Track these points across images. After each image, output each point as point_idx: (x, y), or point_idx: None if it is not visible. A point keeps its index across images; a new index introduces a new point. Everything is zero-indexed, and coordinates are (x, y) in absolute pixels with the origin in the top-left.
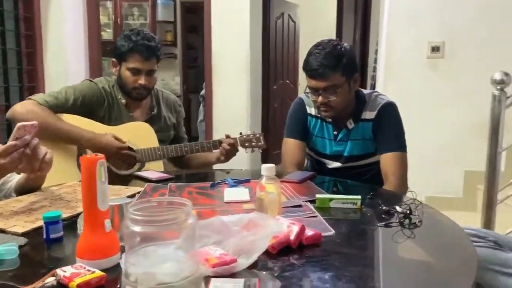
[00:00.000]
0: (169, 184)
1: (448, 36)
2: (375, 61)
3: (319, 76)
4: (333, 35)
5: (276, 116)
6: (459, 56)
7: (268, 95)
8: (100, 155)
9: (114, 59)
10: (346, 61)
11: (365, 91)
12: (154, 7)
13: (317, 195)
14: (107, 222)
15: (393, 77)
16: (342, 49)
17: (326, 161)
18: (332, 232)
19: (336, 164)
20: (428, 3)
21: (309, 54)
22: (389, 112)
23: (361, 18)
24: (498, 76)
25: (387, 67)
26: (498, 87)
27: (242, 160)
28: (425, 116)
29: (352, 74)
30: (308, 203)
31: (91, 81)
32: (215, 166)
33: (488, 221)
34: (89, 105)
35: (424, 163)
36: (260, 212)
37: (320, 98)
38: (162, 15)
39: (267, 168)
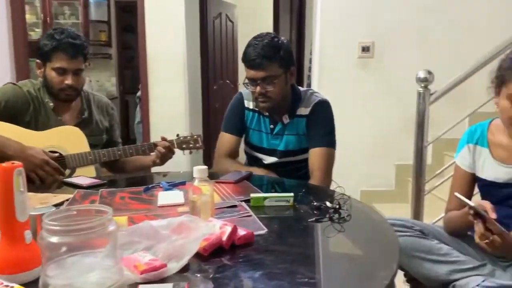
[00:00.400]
0: (100, 190)
1: (377, 36)
2: (311, 61)
3: (257, 66)
4: None
5: (217, 117)
6: (387, 55)
7: (208, 96)
8: (17, 163)
9: (38, 60)
10: (284, 53)
11: (301, 88)
12: (86, 6)
13: (252, 195)
14: (27, 234)
15: (327, 76)
16: (280, 41)
17: (263, 156)
18: (264, 230)
19: (272, 159)
20: (358, 5)
21: (248, 45)
22: (322, 109)
23: (296, 19)
24: (422, 74)
25: (321, 67)
26: (422, 85)
27: (182, 162)
28: (357, 113)
29: (288, 67)
30: (244, 203)
31: (14, 84)
32: (153, 169)
33: (417, 211)
34: (12, 110)
35: (357, 159)
36: (193, 214)
37: (258, 89)
38: (96, 14)
39: (199, 170)
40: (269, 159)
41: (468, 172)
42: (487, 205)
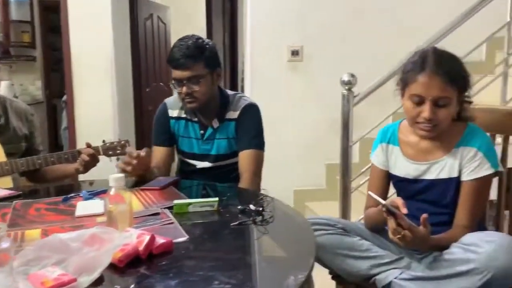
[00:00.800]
0: (14, 202)
1: (306, 40)
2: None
3: (182, 66)
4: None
5: (151, 120)
6: (315, 59)
7: (141, 99)
8: None
9: None
10: (209, 54)
11: (229, 92)
12: (6, 4)
13: (175, 201)
14: None
15: (258, 79)
16: (204, 42)
17: (195, 162)
18: (185, 237)
19: (205, 164)
20: (287, 9)
21: (173, 46)
22: (250, 112)
23: (229, 22)
24: (345, 77)
25: (252, 70)
26: (346, 87)
27: (113, 168)
28: (289, 115)
29: (214, 68)
30: (167, 210)
31: None
32: (81, 177)
33: (345, 208)
34: None
35: (290, 159)
36: (111, 225)
37: (184, 89)
38: (17, 14)
39: (115, 179)
40: (201, 164)
41: (383, 169)
42: (399, 201)
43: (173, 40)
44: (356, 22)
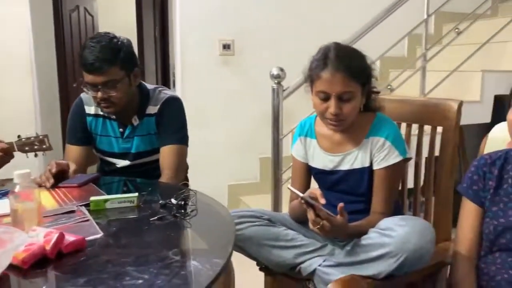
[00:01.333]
0: None
1: (237, 34)
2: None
3: (96, 71)
4: (133, 31)
5: None
6: (246, 53)
7: (67, 94)
8: None
9: None
10: (124, 55)
11: (149, 86)
12: None
13: (91, 198)
14: None
15: (190, 73)
16: (119, 42)
17: (115, 160)
18: (100, 234)
19: (125, 162)
20: (218, 3)
21: (84, 47)
22: (171, 106)
23: (159, 14)
24: (275, 71)
25: (183, 65)
26: (276, 81)
27: (36, 166)
28: (222, 110)
29: (132, 68)
30: (83, 207)
31: None
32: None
33: (277, 200)
34: None
35: (224, 154)
36: (16, 224)
37: (99, 94)
38: None
39: (21, 175)
40: (122, 163)
41: (303, 162)
42: (317, 192)
43: None
44: (286, 16)
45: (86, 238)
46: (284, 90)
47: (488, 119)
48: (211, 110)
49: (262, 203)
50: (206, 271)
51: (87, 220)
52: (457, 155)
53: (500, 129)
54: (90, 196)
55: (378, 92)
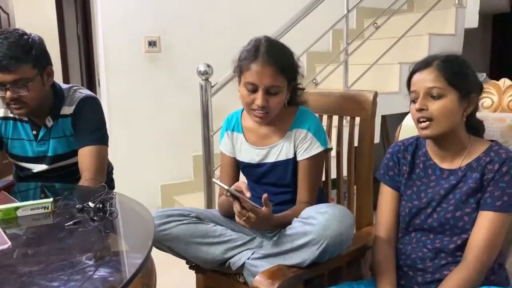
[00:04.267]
0: None
1: (163, 31)
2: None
3: (4, 69)
4: (54, 29)
5: None
6: (173, 49)
7: None
8: None
9: None
10: (36, 52)
11: (63, 86)
12: None
13: (0, 206)
14: None
15: (114, 72)
16: (30, 39)
17: (30, 165)
18: (7, 245)
19: (42, 167)
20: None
21: None
22: (87, 106)
23: (81, 12)
24: (202, 67)
25: (107, 63)
26: (203, 78)
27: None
28: (151, 108)
29: (44, 67)
30: None
31: None
32: None
33: (209, 197)
34: None
35: (155, 153)
36: None
37: (8, 93)
38: None
39: None
40: (38, 167)
41: (231, 156)
42: (242, 185)
43: None
44: (211, 12)
45: None
46: (212, 87)
47: (407, 109)
48: (139, 109)
49: (196, 201)
50: (120, 273)
51: None
52: (382, 143)
53: (411, 117)
54: (0, 204)
55: (303, 89)
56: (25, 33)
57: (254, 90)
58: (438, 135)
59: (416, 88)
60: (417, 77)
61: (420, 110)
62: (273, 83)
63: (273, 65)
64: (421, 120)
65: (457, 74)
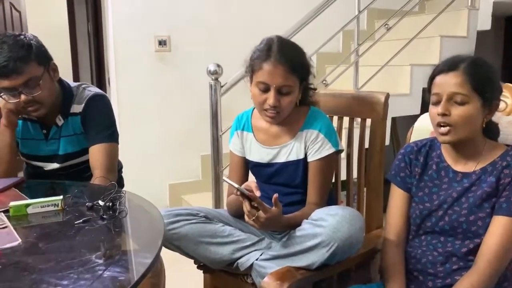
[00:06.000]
0: None
1: (173, 30)
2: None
3: (13, 72)
4: (65, 27)
5: None
6: (183, 49)
7: None
8: None
9: None
10: (36, 49)
11: (72, 84)
12: None
13: (11, 203)
14: None
15: (124, 70)
16: (26, 38)
17: (42, 163)
18: (17, 241)
19: (54, 165)
20: None
21: None
22: (96, 103)
23: (92, 11)
24: (212, 67)
25: (117, 61)
26: (213, 78)
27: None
28: (159, 107)
29: (48, 62)
30: (2, 214)
31: None
32: None
33: (217, 198)
34: None
35: (163, 153)
36: None
37: (22, 97)
38: None
39: None
40: (49, 166)
41: (240, 156)
42: (252, 184)
43: (30, 30)
44: (222, 12)
45: (2, 246)
46: (222, 86)
47: (417, 111)
48: (149, 108)
49: (204, 201)
50: (130, 272)
51: (5, 227)
52: (392, 145)
53: (424, 119)
54: (11, 201)
55: (315, 89)
56: (19, 34)
57: (266, 89)
58: (458, 141)
59: (439, 91)
60: (441, 79)
61: (442, 114)
62: (285, 82)
63: (285, 64)
64: (442, 124)
65: (483, 81)
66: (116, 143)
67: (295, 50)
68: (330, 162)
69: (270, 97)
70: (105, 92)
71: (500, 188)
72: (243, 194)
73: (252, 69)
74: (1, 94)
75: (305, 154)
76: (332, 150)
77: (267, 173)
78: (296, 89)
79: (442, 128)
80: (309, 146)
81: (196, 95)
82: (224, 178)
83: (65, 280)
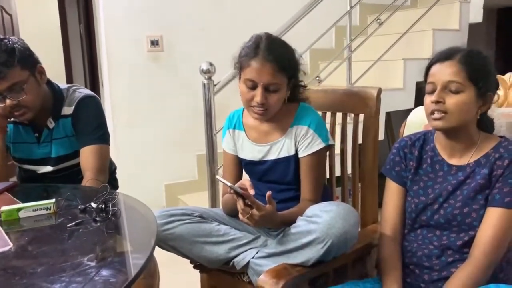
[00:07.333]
0: None
1: (165, 30)
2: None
3: None
4: (57, 29)
5: None
6: (175, 48)
7: None
8: None
9: None
10: (20, 53)
11: (62, 86)
12: None
13: (3, 208)
14: None
15: (117, 72)
16: (10, 42)
17: (35, 167)
18: (8, 246)
19: (47, 168)
20: None
21: None
22: (86, 105)
23: (83, 12)
24: (204, 66)
25: (110, 63)
26: (206, 76)
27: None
28: (154, 108)
29: (34, 66)
30: None
31: None
32: None
33: (213, 197)
34: None
35: (159, 153)
36: None
37: (8, 101)
38: None
39: None
40: (43, 169)
41: (233, 155)
42: (246, 182)
43: (22, 33)
44: (214, 11)
45: None
46: (215, 85)
47: (411, 105)
48: (143, 108)
49: (200, 200)
50: (122, 274)
51: None
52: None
53: (417, 113)
54: (3, 206)
55: (305, 86)
56: (3, 38)
57: (253, 87)
58: (449, 129)
59: (434, 80)
60: (436, 68)
61: (436, 102)
62: (272, 80)
63: (273, 62)
64: (436, 112)
65: (479, 70)
66: (107, 144)
67: (283, 48)
68: (321, 157)
69: (257, 95)
70: (99, 93)
71: (493, 180)
72: (236, 193)
73: (240, 66)
74: None
75: (296, 150)
76: (322, 145)
77: (259, 170)
78: (284, 87)
79: (435, 114)
80: (299, 142)
81: (190, 94)
82: (218, 177)
83: (57, 284)
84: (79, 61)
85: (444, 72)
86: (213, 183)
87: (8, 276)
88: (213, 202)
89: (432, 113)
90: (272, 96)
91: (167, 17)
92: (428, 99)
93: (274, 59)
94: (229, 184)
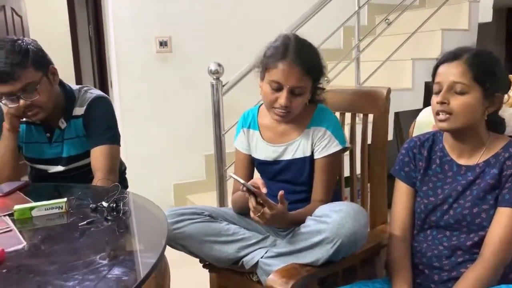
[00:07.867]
0: None
1: (173, 31)
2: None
3: (9, 78)
4: (67, 31)
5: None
6: (183, 49)
7: None
8: None
9: None
10: (34, 54)
11: (73, 87)
12: None
13: (16, 207)
14: None
15: (126, 72)
16: (24, 43)
17: (46, 166)
18: (22, 244)
19: (58, 168)
20: (151, 0)
21: None
22: (98, 106)
23: (92, 14)
24: (213, 66)
25: (119, 64)
26: (214, 77)
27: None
28: (162, 108)
29: (46, 67)
30: (7, 218)
31: None
32: None
33: (222, 196)
34: None
35: (167, 153)
36: None
37: (21, 102)
38: None
39: None
40: (54, 169)
41: (246, 154)
42: (259, 181)
43: (32, 34)
44: (222, 11)
45: (7, 250)
46: (223, 86)
47: (420, 105)
48: (152, 109)
49: (209, 200)
50: (134, 272)
51: (10, 231)
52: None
53: (426, 113)
54: (16, 205)
55: (323, 89)
56: (17, 39)
57: (278, 89)
58: (455, 130)
59: (440, 80)
60: (443, 68)
61: (441, 103)
62: (299, 84)
63: (301, 66)
64: (441, 113)
65: (485, 72)
66: (117, 144)
67: (311, 51)
68: (336, 160)
69: (282, 97)
70: (108, 94)
71: (503, 180)
72: (249, 190)
73: (265, 66)
74: (1, 100)
75: (312, 152)
76: (338, 147)
77: (273, 170)
78: (308, 90)
79: (440, 115)
80: (316, 143)
81: (198, 95)
82: (231, 174)
83: (70, 282)
84: (88, 62)
85: (450, 73)
86: (221, 183)
87: (22, 274)
88: (221, 202)
89: (438, 113)
90: (297, 99)
91: (175, 17)
92: (434, 99)
93: (302, 62)
94: (242, 181)
